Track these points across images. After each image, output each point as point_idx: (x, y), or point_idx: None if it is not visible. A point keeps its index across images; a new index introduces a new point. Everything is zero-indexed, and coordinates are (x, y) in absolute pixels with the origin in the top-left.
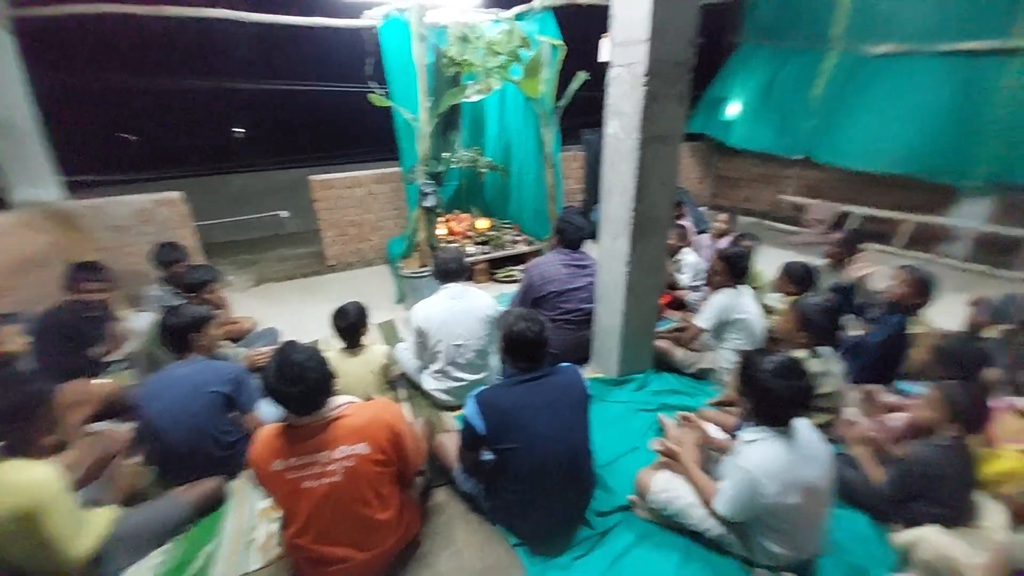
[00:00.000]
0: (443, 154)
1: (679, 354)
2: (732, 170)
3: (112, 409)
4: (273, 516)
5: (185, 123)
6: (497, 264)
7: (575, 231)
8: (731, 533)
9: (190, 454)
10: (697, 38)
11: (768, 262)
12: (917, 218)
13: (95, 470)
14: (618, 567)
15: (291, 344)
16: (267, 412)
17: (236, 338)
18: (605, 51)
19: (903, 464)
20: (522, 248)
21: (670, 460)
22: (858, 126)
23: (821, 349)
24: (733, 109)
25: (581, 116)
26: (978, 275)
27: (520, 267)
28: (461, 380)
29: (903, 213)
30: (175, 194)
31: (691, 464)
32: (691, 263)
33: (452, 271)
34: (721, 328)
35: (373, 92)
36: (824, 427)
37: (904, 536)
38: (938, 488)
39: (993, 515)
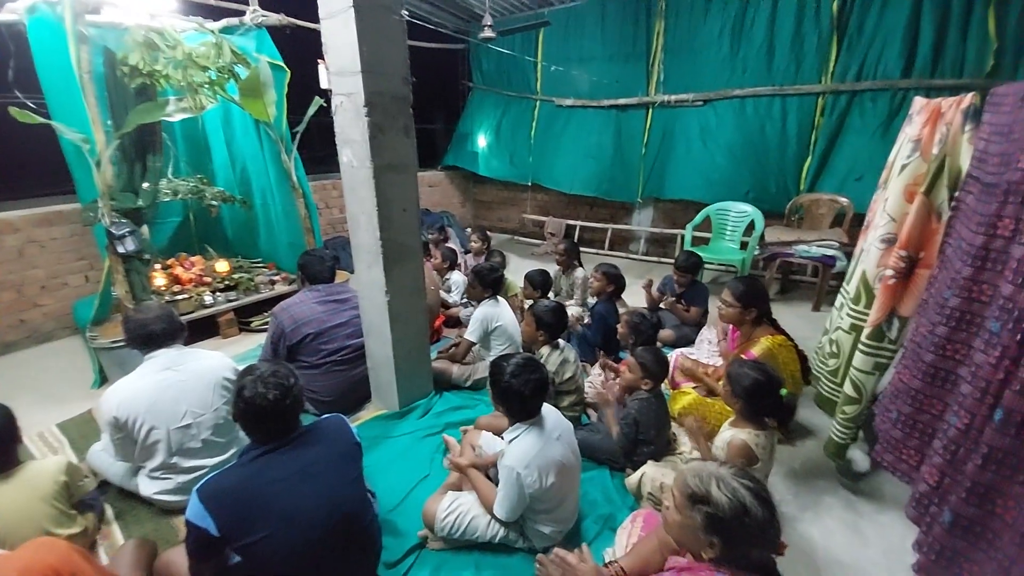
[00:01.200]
0: (143, 185)
1: (455, 370)
2: (485, 195)
3: None
4: None
5: None
6: (250, 311)
7: (319, 263)
8: (512, 531)
9: None
10: (411, 76)
11: (519, 272)
12: (613, 226)
13: None
14: None
15: None
16: None
17: None
18: (324, 77)
19: (624, 417)
20: (281, 288)
21: (459, 474)
22: (561, 159)
23: (561, 342)
24: (482, 142)
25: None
26: (652, 264)
27: None
28: (198, 469)
29: (604, 223)
30: None
31: (475, 473)
32: (457, 281)
33: (157, 335)
34: (486, 338)
35: (16, 106)
36: (573, 406)
37: (632, 477)
38: (647, 430)
39: (687, 443)
